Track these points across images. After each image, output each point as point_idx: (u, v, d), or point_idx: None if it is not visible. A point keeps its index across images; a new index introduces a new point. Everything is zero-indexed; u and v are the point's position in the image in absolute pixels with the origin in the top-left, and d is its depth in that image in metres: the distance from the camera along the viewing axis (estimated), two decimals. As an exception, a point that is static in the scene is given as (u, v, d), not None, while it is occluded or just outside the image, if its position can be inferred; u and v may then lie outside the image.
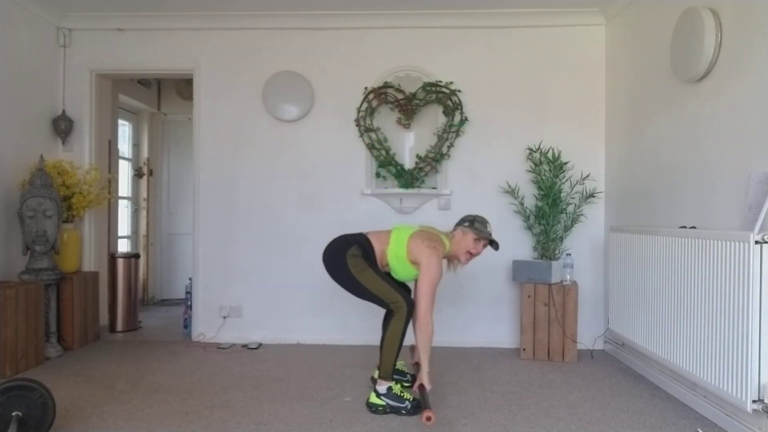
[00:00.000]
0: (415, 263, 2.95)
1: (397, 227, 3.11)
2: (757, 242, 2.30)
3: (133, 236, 6.07)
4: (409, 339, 2.98)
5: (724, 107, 2.80)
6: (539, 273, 3.89)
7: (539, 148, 4.18)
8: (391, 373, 2.94)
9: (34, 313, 3.65)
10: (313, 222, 4.35)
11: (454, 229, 3.12)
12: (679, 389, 3.11)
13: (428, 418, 2.63)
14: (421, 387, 2.90)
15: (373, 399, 2.90)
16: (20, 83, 4.03)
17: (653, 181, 3.51)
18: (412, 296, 3.03)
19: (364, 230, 3.13)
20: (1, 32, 3.84)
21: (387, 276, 2.98)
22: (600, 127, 4.29)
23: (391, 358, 2.92)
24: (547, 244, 4.09)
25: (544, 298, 3.88)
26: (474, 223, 3.08)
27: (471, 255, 3.10)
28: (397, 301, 2.89)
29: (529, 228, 4.23)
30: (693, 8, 2.93)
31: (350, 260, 2.92)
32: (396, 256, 2.97)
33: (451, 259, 3.16)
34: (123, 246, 5.81)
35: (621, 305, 3.59)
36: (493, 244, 3.13)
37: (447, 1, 4.11)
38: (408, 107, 4.24)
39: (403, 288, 3.00)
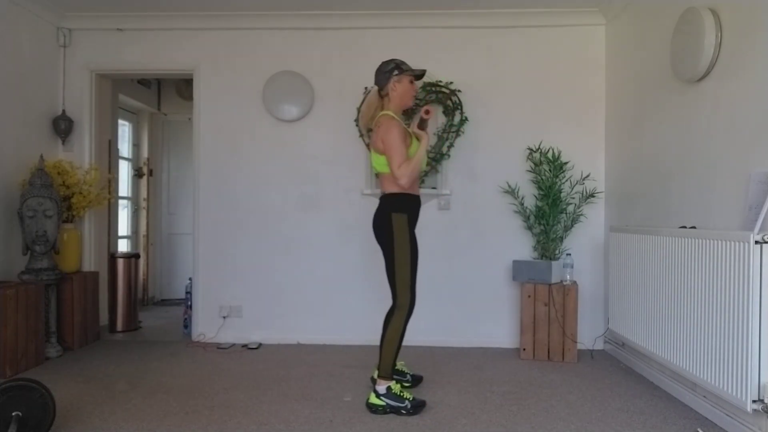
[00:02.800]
0: (384, 154, 2.91)
1: (372, 165, 3.12)
2: (757, 242, 2.30)
3: (133, 236, 6.07)
4: (409, 336, 2.98)
5: (724, 107, 2.80)
6: (539, 273, 3.89)
7: (539, 148, 4.18)
8: (390, 372, 2.94)
9: (34, 313, 3.65)
10: (313, 222, 4.35)
11: (384, 85, 2.99)
12: (679, 389, 3.11)
13: (427, 111, 2.82)
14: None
15: (373, 399, 2.90)
16: (20, 83, 4.03)
17: (653, 181, 3.51)
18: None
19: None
20: (1, 32, 3.84)
21: (415, 268, 2.97)
22: (600, 127, 4.29)
23: (390, 357, 2.92)
24: (547, 244, 4.09)
25: (544, 298, 3.88)
26: (401, 66, 3.00)
27: (416, 103, 3.09)
28: (404, 299, 2.92)
29: (529, 228, 4.23)
30: (693, 8, 2.92)
31: (395, 221, 2.90)
32: (379, 164, 2.96)
33: (399, 108, 3.04)
34: (123, 246, 5.81)
35: (621, 305, 3.59)
36: (422, 75, 3.08)
37: (447, 1, 4.11)
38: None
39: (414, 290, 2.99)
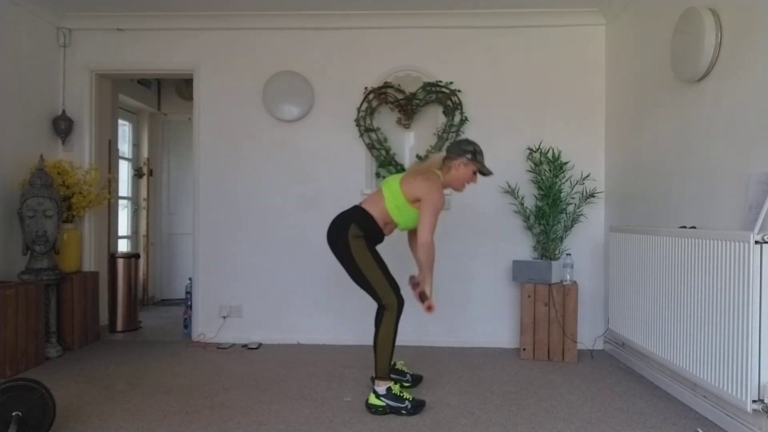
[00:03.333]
0: (415, 202, 2.93)
1: (385, 181, 3.11)
2: (757, 242, 2.30)
3: (133, 236, 6.07)
4: (403, 335, 2.98)
5: (724, 107, 2.80)
6: (539, 273, 3.89)
7: (539, 148, 4.18)
8: (387, 372, 2.94)
9: (34, 313, 3.65)
10: (313, 222, 4.34)
11: (452, 159, 3.02)
12: (679, 389, 3.11)
13: (429, 307, 2.88)
14: (422, 293, 2.99)
15: (373, 400, 2.89)
16: (20, 83, 4.03)
17: (653, 181, 3.51)
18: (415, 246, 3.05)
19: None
20: (1, 32, 3.84)
21: (386, 269, 2.97)
22: (600, 127, 4.29)
23: (385, 358, 2.92)
24: (547, 244, 4.09)
25: (544, 298, 3.88)
26: (476, 156, 3.02)
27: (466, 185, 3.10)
28: (389, 298, 2.91)
29: (529, 228, 4.23)
30: (693, 8, 2.93)
31: (353, 242, 2.92)
32: (396, 207, 2.95)
33: (445, 187, 3.12)
34: (123, 246, 5.81)
35: (621, 305, 3.59)
36: (487, 174, 3.10)
37: (447, 1, 4.11)
38: (408, 107, 4.24)
39: (396, 286, 2.99)
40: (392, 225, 3.03)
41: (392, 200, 2.96)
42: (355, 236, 2.93)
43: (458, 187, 3.11)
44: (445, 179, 3.05)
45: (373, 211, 2.98)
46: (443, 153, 3.11)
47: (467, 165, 3.02)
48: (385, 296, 2.92)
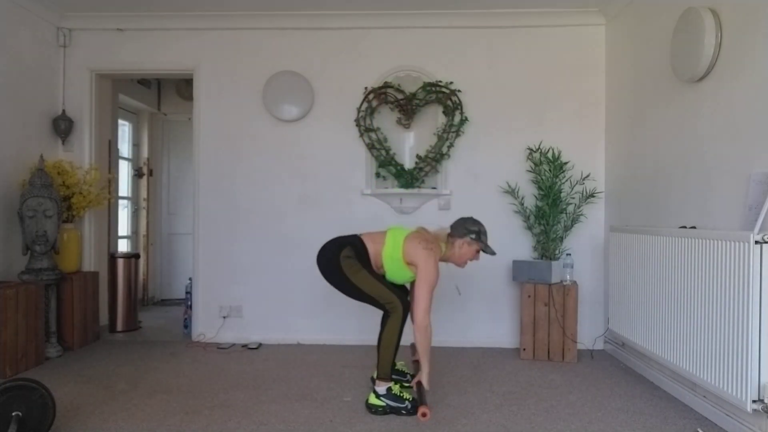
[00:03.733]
0: (410, 264, 2.94)
1: (392, 228, 3.10)
2: (757, 242, 2.30)
3: (133, 236, 6.07)
4: (407, 338, 2.98)
5: (724, 107, 2.80)
6: (539, 273, 3.89)
7: (539, 148, 4.18)
8: (389, 373, 2.93)
9: (34, 313, 3.65)
10: (313, 222, 4.35)
11: (456, 237, 3.04)
12: (679, 389, 3.11)
13: (423, 414, 2.66)
14: (419, 385, 2.91)
15: (373, 400, 2.89)
16: (20, 83, 4.03)
17: (653, 181, 3.51)
18: (409, 298, 3.01)
19: (363, 230, 3.13)
20: (1, 32, 3.84)
21: (382, 277, 2.98)
22: (600, 127, 4.29)
23: (388, 359, 2.92)
24: (547, 244, 4.09)
25: (544, 298, 3.88)
26: (480, 236, 3.04)
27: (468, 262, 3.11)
28: (392, 302, 2.89)
29: (529, 228, 4.23)
30: (693, 8, 2.93)
31: (344, 262, 2.92)
32: (391, 257, 2.95)
33: (445, 261, 3.13)
34: (123, 246, 5.81)
35: (621, 305, 3.59)
36: (491, 254, 3.11)
37: (447, 1, 4.11)
38: (408, 107, 4.24)
39: (398, 288, 2.99)
40: (381, 270, 3.02)
41: (391, 250, 2.96)
42: (346, 256, 2.93)
43: (460, 264, 3.12)
44: (447, 254, 3.06)
45: (370, 248, 2.98)
46: (447, 229, 3.10)
47: (471, 245, 3.03)
48: (387, 301, 2.90)
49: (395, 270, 2.97)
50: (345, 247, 2.96)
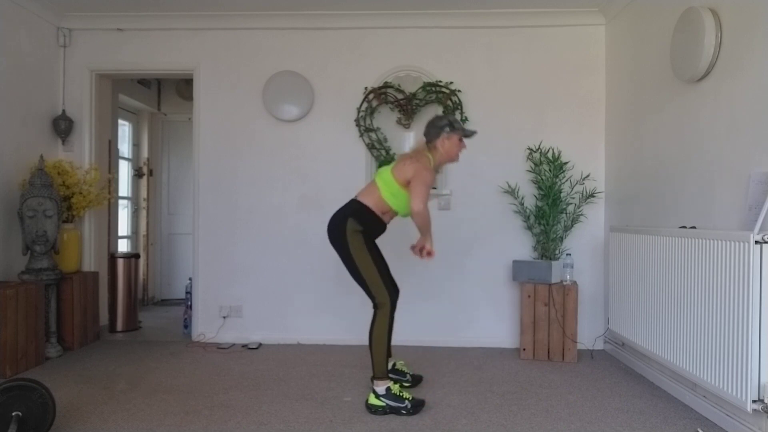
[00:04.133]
0: (408, 185, 2.94)
1: (378, 172, 3.14)
2: (757, 242, 2.30)
3: (133, 236, 6.07)
4: (401, 338, 2.98)
5: (724, 107, 2.80)
6: (539, 273, 3.89)
7: (539, 148, 4.18)
8: (385, 371, 2.94)
9: (34, 313, 3.65)
10: (313, 222, 4.34)
11: (434, 140, 3.05)
12: (679, 389, 3.11)
13: (429, 253, 2.89)
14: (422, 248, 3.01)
15: (373, 400, 2.89)
16: (20, 83, 4.03)
17: (653, 181, 3.51)
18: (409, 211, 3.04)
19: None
20: (1, 32, 3.84)
21: (383, 267, 2.99)
22: (600, 127, 4.29)
23: (381, 357, 2.93)
24: (547, 244, 4.09)
25: (544, 298, 3.88)
26: (454, 125, 3.06)
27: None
28: (382, 296, 2.93)
29: (529, 228, 4.23)
30: (693, 8, 2.92)
31: (351, 238, 2.94)
32: (391, 194, 2.98)
33: (441, 166, 3.15)
34: (123, 246, 5.81)
35: (621, 305, 3.59)
36: (472, 135, 3.14)
37: (447, 1, 4.11)
38: (408, 107, 4.24)
39: (393, 286, 3.01)
40: (390, 213, 3.05)
41: (387, 189, 2.99)
42: (353, 231, 2.95)
43: (453, 158, 3.15)
44: (437, 160, 3.07)
45: (369, 202, 3.01)
46: (422, 139, 3.13)
47: (450, 137, 3.05)
48: (378, 294, 2.94)
49: (402, 201, 2.99)
50: (348, 219, 2.97)
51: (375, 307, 2.97)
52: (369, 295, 2.98)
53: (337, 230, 3.00)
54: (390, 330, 2.96)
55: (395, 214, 3.07)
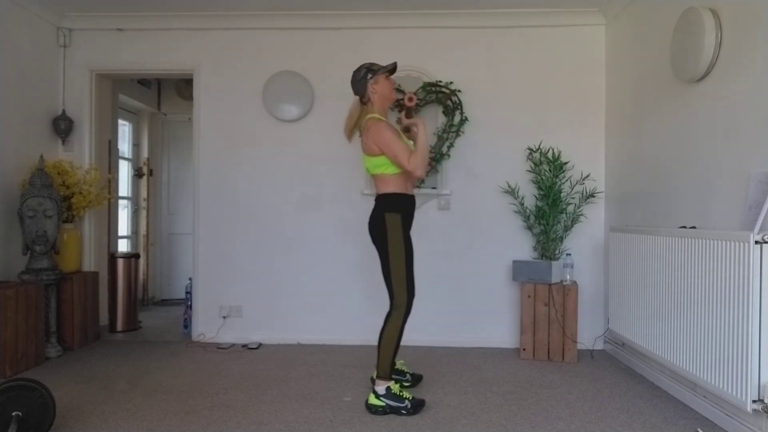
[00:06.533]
0: (381, 154, 2.92)
1: (365, 168, 3.12)
2: (757, 242, 2.30)
3: (133, 236, 6.07)
4: (408, 338, 2.98)
5: (724, 107, 2.80)
6: (539, 273, 3.89)
7: (539, 148, 4.18)
8: (389, 373, 2.94)
9: (34, 313, 3.65)
10: (313, 222, 4.35)
11: (364, 93, 3.02)
12: (679, 389, 3.11)
13: (410, 99, 2.84)
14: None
15: (373, 400, 2.89)
16: (20, 83, 4.03)
17: (653, 181, 3.51)
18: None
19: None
20: (1, 32, 3.84)
21: (411, 267, 2.98)
22: (600, 127, 4.29)
23: (388, 358, 2.92)
24: (547, 244, 4.09)
25: (544, 298, 3.88)
26: (371, 69, 3.02)
27: (399, 99, 3.14)
28: (400, 299, 2.92)
29: (529, 228, 4.23)
30: (693, 8, 2.92)
31: (391, 232, 2.92)
32: (386, 166, 2.94)
33: (385, 113, 3.09)
34: (123, 246, 5.81)
35: (621, 305, 3.59)
36: (394, 69, 3.07)
37: (447, 1, 4.11)
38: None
39: (413, 288, 3.00)
40: (404, 178, 2.98)
41: (380, 168, 2.96)
42: (393, 223, 2.92)
43: (392, 97, 3.13)
44: (378, 110, 3.03)
45: (387, 188, 2.98)
46: (355, 98, 3.10)
47: (377, 81, 3.02)
48: (398, 294, 2.94)
49: (387, 166, 2.94)
50: (384, 214, 2.94)
51: (391, 307, 2.96)
52: (390, 293, 2.97)
53: (378, 229, 2.97)
54: (401, 332, 2.94)
55: (408, 174, 2.98)
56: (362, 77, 3.02)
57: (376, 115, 3.01)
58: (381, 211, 2.97)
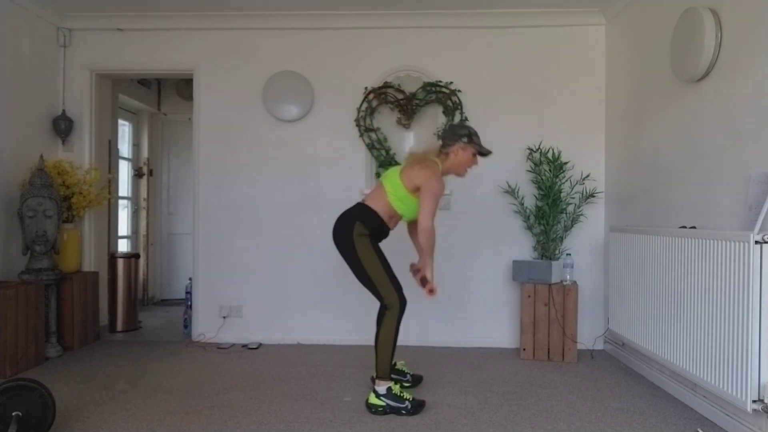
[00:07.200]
0: (416, 192, 2.92)
1: (385, 175, 3.11)
2: (757, 242, 2.30)
3: (133, 236, 6.07)
4: (405, 336, 2.98)
5: (724, 107, 2.80)
6: (539, 273, 3.89)
7: (539, 148, 4.18)
8: (388, 372, 2.94)
9: (34, 313, 3.65)
10: (313, 222, 4.34)
11: (449, 146, 3.02)
12: (679, 389, 3.11)
13: (431, 291, 2.87)
14: (423, 278, 2.97)
15: (373, 400, 2.89)
16: (20, 83, 4.03)
17: (653, 181, 3.51)
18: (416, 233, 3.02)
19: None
20: (1, 32, 3.84)
21: (390, 268, 2.97)
22: (600, 127, 4.29)
23: (386, 358, 2.92)
24: (547, 244, 4.09)
25: (544, 298, 3.88)
26: (472, 138, 3.02)
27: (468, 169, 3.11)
28: (391, 298, 2.91)
29: (529, 228, 4.23)
30: (693, 8, 2.93)
31: (357, 241, 2.92)
32: (399, 199, 2.95)
33: (446, 174, 3.11)
34: (123, 246, 5.81)
35: (621, 305, 3.59)
36: (484, 153, 3.09)
37: (447, 1, 4.11)
38: (408, 107, 4.24)
39: (399, 286, 2.99)
40: (397, 218, 3.03)
41: (394, 193, 2.97)
42: (360, 234, 2.93)
43: (461, 172, 3.11)
44: (444, 166, 3.04)
45: (377, 206, 2.99)
46: (439, 141, 3.09)
47: (465, 149, 3.02)
48: (387, 295, 2.92)
49: (408, 206, 2.97)
50: (355, 222, 2.95)
51: (384, 308, 2.95)
52: (378, 297, 2.96)
53: (344, 234, 2.97)
54: (397, 331, 2.93)
55: (400, 218, 3.05)
56: (460, 135, 3.02)
57: (439, 164, 3.01)
58: (354, 218, 2.96)
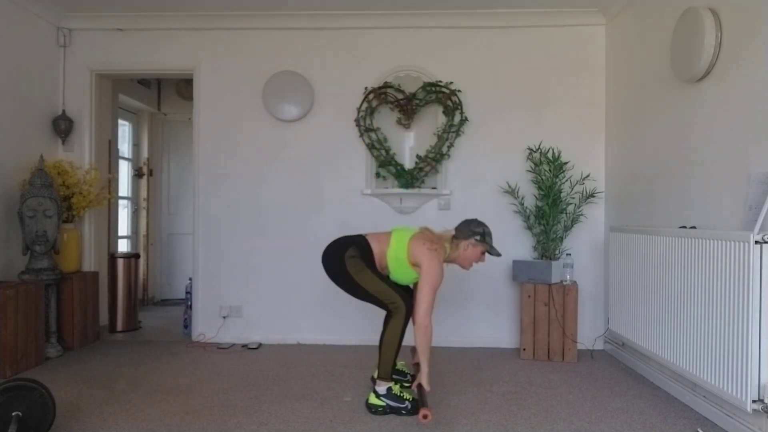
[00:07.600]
0: (415, 266, 2.92)
1: (397, 229, 3.09)
2: (757, 242, 2.30)
3: (133, 236, 6.07)
4: (408, 339, 2.98)
5: (724, 107, 2.80)
6: (539, 273, 3.89)
7: (539, 148, 4.18)
8: (390, 373, 2.93)
9: (34, 313, 3.65)
10: (313, 222, 4.35)
11: (461, 238, 3.02)
12: (679, 389, 3.11)
13: (424, 416, 2.64)
14: (420, 387, 2.90)
15: (373, 400, 2.89)
16: (20, 83, 4.03)
17: (653, 181, 3.51)
18: (413, 299, 2.99)
19: (364, 230, 3.13)
20: (1, 32, 3.84)
21: (385, 277, 2.97)
22: (600, 127, 4.29)
23: (389, 358, 2.91)
24: (547, 244, 4.09)
25: (544, 298, 3.88)
26: (485, 238, 3.03)
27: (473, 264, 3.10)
28: (395, 302, 2.89)
29: (529, 228, 4.23)
30: (693, 8, 2.93)
31: (348, 261, 2.91)
32: (396, 258, 2.94)
33: (449, 263, 3.11)
34: (123, 246, 5.81)
35: (621, 305, 3.59)
36: (493, 254, 3.09)
37: (447, 1, 4.11)
38: (408, 107, 4.24)
39: (402, 288, 2.98)
40: (385, 271, 3.00)
41: (396, 251, 2.94)
42: (350, 256, 2.92)
43: (465, 266, 3.10)
44: (451, 255, 3.03)
45: (375, 248, 2.97)
46: (452, 231, 3.07)
47: (475, 246, 3.02)
48: (391, 301, 2.90)
49: (400, 271, 2.96)
50: (350, 246, 2.95)
51: (390, 312, 2.93)
52: (382, 306, 2.94)
53: (334, 254, 2.95)
54: (402, 334, 2.91)
55: (387, 274, 3.00)
56: (473, 233, 3.01)
57: (447, 251, 2.99)
58: (349, 244, 2.94)
